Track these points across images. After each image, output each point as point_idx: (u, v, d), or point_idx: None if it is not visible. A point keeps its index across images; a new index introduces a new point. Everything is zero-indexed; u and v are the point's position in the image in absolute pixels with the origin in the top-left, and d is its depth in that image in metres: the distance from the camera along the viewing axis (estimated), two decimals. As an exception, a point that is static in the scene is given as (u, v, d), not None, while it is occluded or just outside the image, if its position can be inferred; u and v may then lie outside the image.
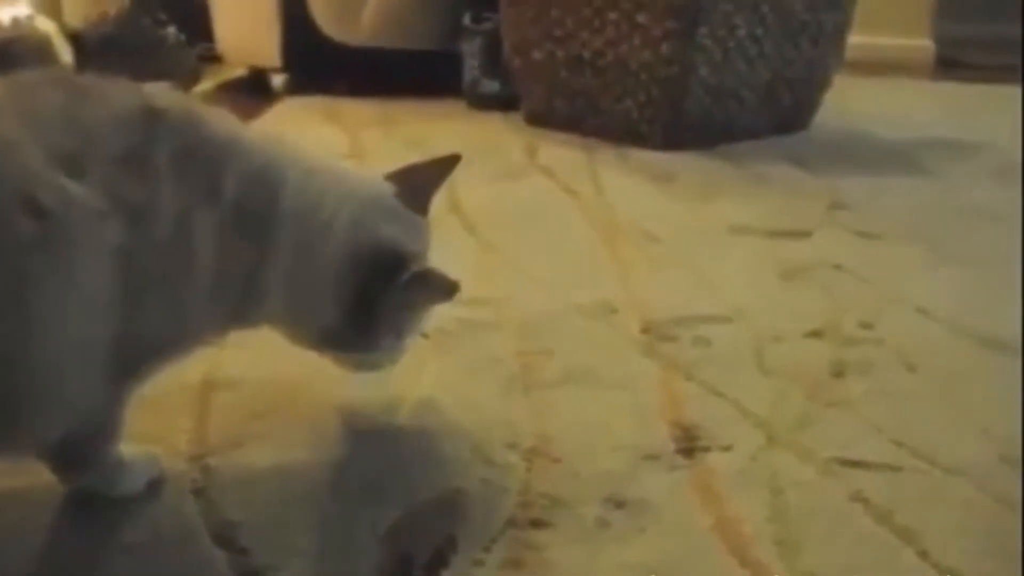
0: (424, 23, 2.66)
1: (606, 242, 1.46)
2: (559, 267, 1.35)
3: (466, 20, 2.57)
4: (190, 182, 0.68)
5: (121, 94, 0.69)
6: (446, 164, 0.90)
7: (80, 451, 0.73)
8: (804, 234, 1.52)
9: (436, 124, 2.28)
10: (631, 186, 1.80)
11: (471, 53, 2.56)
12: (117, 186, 0.65)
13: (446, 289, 0.80)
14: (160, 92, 0.72)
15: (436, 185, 0.89)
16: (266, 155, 0.75)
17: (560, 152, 2.05)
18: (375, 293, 0.78)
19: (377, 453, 0.84)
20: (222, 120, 0.75)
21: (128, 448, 0.77)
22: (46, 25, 2.59)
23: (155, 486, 0.78)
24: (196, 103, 0.75)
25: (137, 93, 0.70)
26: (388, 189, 0.84)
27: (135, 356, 0.69)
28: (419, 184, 0.87)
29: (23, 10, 2.84)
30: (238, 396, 0.94)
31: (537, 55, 2.28)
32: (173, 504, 0.76)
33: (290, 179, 0.75)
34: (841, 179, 1.85)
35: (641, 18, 2.05)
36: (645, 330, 1.12)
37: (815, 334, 1.13)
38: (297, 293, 0.77)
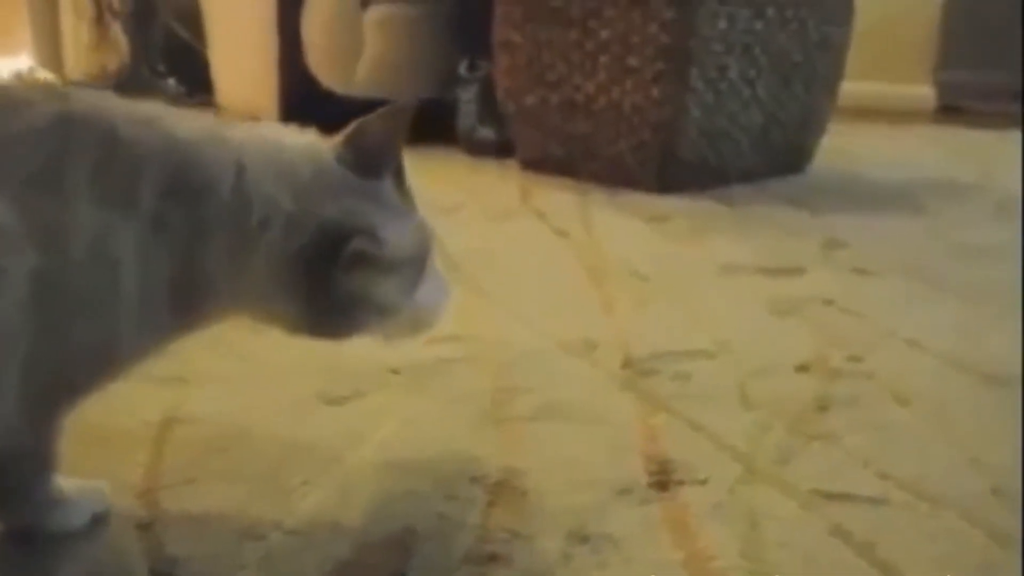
0: (419, 72, 2.66)
1: (593, 281, 1.43)
2: (542, 305, 1.31)
3: (461, 68, 2.58)
4: (106, 194, 0.65)
5: (41, 102, 0.66)
6: (396, 116, 0.77)
7: (9, 484, 0.70)
8: (797, 271, 1.49)
9: (429, 170, 2.26)
10: (622, 226, 1.78)
11: (467, 101, 2.56)
12: (30, 204, 0.62)
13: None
14: (84, 95, 0.69)
15: (390, 144, 0.78)
16: (193, 151, 0.70)
17: (552, 195, 2.03)
18: (324, 277, 0.73)
19: (330, 489, 0.80)
20: (148, 116, 0.69)
21: (73, 482, 0.74)
22: (47, 79, 2.61)
23: (99, 522, 0.74)
24: (125, 101, 0.70)
25: (57, 100, 0.66)
26: (331, 160, 0.75)
27: (58, 382, 0.66)
28: (369, 146, 0.77)
29: (25, 64, 2.87)
30: (197, 432, 0.90)
31: (530, 100, 2.27)
32: (116, 540, 0.73)
33: (222, 173, 0.70)
34: (837, 218, 1.83)
35: (632, 61, 2.04)
36: (625, 365, 1.09)
37: (802, 368, 1.09)
38: (249, 289, 0.73)
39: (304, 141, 0.77)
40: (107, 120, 0.66)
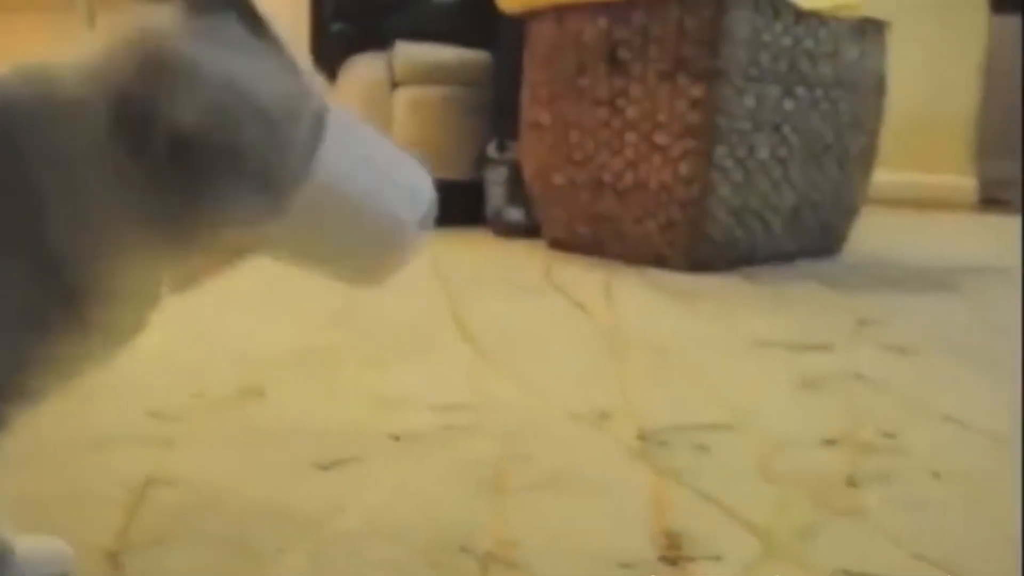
0: (449, 153, 2.66)
1: (612, 354, 1.37)
2: (556, 376, 1.26)
3: (490, 150, 2.57)
4: None
5: None
6: None
7: None
8: (826, 347, 1.42)
9: (454, 250, 2.24)
10: (646, 302, 1.72)
11: (495, 182, 2.55)
12: None
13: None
14: None
15: None
16: None
17: (576, 272, 1.99)
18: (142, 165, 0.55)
19: (305, 556, 0.74)
20: None
21: (29, 539, 0.69)
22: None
23: (56, 585, 0.68)
24: None
25: None
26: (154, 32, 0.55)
27: None
28: None
29: None
30: (176, 494, 0.85)
31: (557, 180, 2.25)
32: (71, 604, 0.67)
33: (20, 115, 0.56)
34: (870, 297, 1.76)
35: (660, 138, 2.01)
36: (638, 437, 1.02)
37: (829, 442, 1.02)
38: (89, 230, 0.57)
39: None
40: None
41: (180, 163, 0.54)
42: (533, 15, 2.27)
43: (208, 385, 1.16)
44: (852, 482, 0.92)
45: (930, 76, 3.59)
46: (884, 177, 2.37)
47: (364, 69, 2.68)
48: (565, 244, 2.24)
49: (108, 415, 1.04)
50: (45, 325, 0.59)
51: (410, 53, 2.65)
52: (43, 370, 0.62)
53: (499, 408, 1.11)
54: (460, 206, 2.58)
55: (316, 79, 0.60)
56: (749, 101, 1.99)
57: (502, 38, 2.51)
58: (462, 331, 1.47)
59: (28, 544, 0.69)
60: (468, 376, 1.24)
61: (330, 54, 2.69)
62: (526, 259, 2.16)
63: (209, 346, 1.36)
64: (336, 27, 2.69)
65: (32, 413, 0.64)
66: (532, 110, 2.28)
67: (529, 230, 2.42)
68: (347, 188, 0.61)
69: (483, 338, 1.42)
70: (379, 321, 1.53)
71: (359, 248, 0.64)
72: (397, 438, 0.99)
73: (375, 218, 0.63)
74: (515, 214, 2.50)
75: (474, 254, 2.19)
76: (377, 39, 2.69)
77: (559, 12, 2.20)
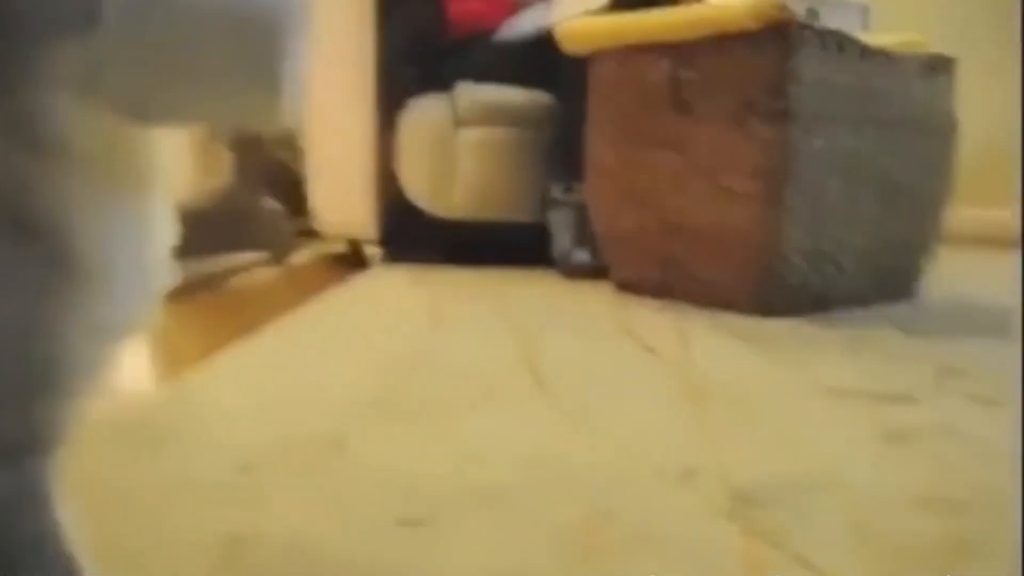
0: (515, 196, 2.67)
1: (688, 402, 1.35)
2: (634, 426, 1.24)
3: (555, 192, 2.58)
4: None
5: None
6: None
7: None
8: (909, 398, 1.39)
9: (522, 292, 2.24)
10: (719, 347, 1.70)
11: (561, 224, 2.55)
12: None
13: None
14: None
15: None
16: None
17: (646, 315, 1.97)
18: None
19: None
20: None
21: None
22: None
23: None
24: None
25: None
26: None
27: None
28: None
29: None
30: (259, 548, 0.85)
31: (624, 222, 2.24)
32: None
33: None
34: (951, 344, 1.72)
35: (728, 181, 2.00)
36: (727, 495, 1.00)
37: (922, 501, 0.99)
38: None
39: None
40: None
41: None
42: (597, 56, 2.28)
43: (290, 436, 1.16)
44: (948, 545, 0.89)
45: (1002, 110, 3.52)
46: (959, 214, 2.33)
47: (427, 111, 2.70)
48: (634, 287, 2.23)
49: (192, 465, 1.05)
50: (41, 291, 0.55)
51: (473, 94, 2.67)
52: (70, 347, 0.57)
53: (580, 463, 1.10)
54: (525, 247, 2.59)
55: None
56: (818, 142, 1.97)
57: (565, 79, 2.52)
58: (536, 378, 1.46)
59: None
60: (547, 427, 1.22)
61: (394, 96, 2.72)
62: (595, 302, 2.15)
63: (289, 395, 1.37)
64: (399, 69, 2.73)
65: (85, 410, 0.61)
66: (597, 152, 2.28)
67: (596, 272, 2.41)
68: None
69: (558, 386, 1.41)
70: (452, 367, 1.53)
71: (218, 57, 0.51)
72: (479, 494, 0.98)
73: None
74: (582, 256, 2.50)
75: (542, 296, 2.19)
76: (440, 81, 2.72)
77: (623, 53, 2.21)
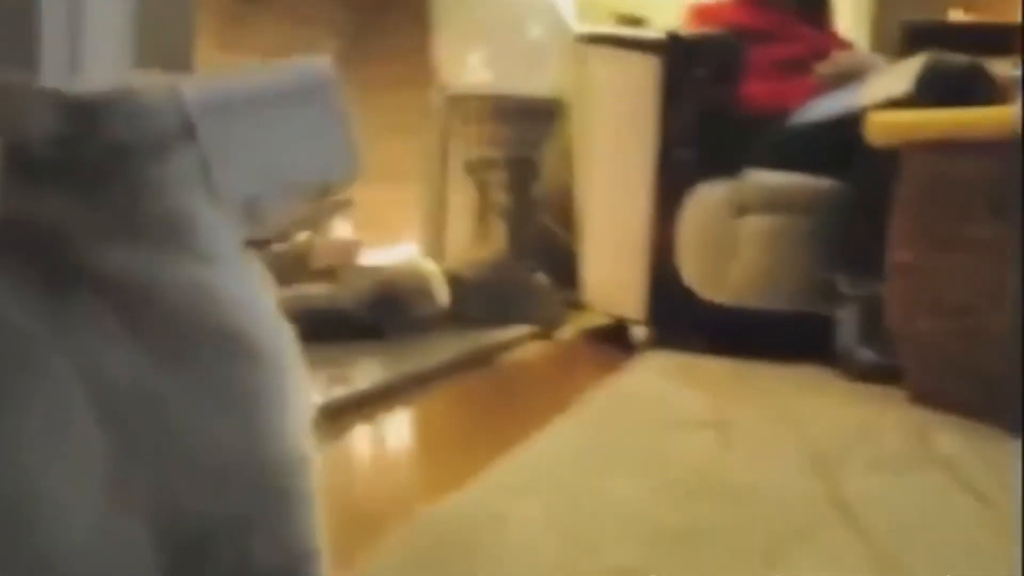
0: (795, 284, 2.54)
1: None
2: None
3: (841, 284, 2.43)
4: None
5: None
6: None
7: None
8: None
9: (807, 396, 2.11)
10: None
11: (847, 319, 2.40)
12: None
13: None
14: None
15: None
16: None
17: (954, 440, 1.79)
18: None
19: None
20: None
21: None
22: (429, 266, 2.76)
23: None
24: None
25: None
26: None
27: None
28: None
29: (410, 251, 3.09)
30: None
31: (924, 327, 2.07)
32: None
33: None
34: None
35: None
36: None
37: None
38: None
39: None
40: None
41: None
42: (906, 149, 2.13)
43: (590, 565, 1.12)
44: None
45: None
46: None
47: (710, 195, 2.63)
48: (932, 398, 2.04)
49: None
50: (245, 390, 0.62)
51: (760, 180, 2.58)
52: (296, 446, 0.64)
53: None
54: (799, 338, 2.45)
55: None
56: None
57: (863, 169, 2.37)
58: (848, 519, 1.34)
59: None
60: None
61: (675, 180, 2.67)
62: (891, 416, 1.99)
63: (577, 515, 1.33)
64: (681, 154, 2.67)
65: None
66: (899, 249, 2.13)
67: (884, 373, 2.24)
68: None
69: (875, 534, 1.28)
70: (748, 494, 1.43)
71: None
72: None
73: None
74: (868, 355, 2.33)
75: (831, 406, 2.04)
76: (725, 162, 2.64)
77: (938, 148, 2.05)
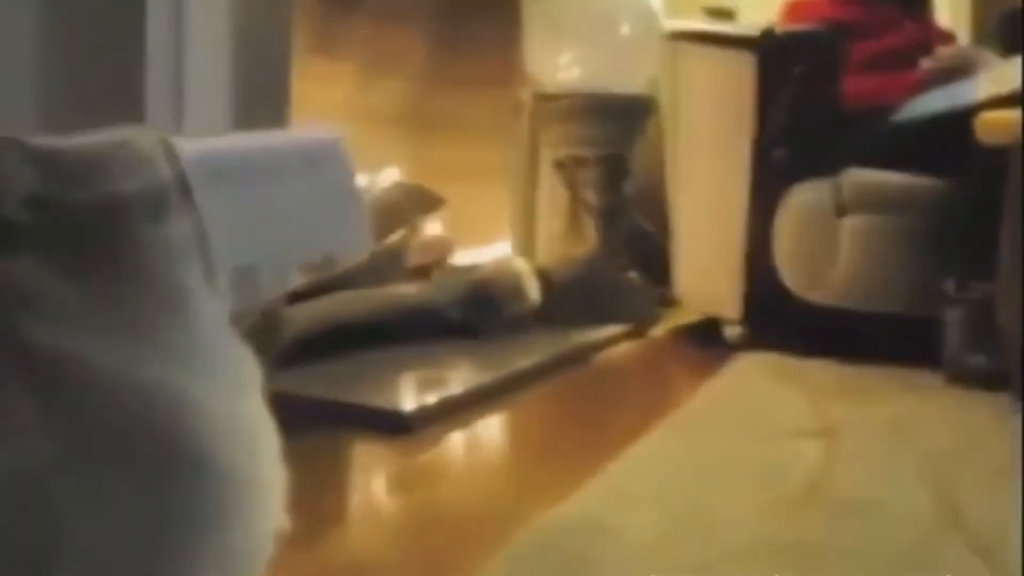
0: (900, 286, 2.48)
1: None
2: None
3: (948, 287, 2.35)
4: None
5: None
6: None
7: None
8: None
9: (913, 402, 2.05)
10: None
11: (953, 323, 2.32)
12: None
13: None
14: None
15: None
16: None
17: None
18: None
19: None
20: None
21: None
22: (521, 265, 2.76)
23: None
24: None
25: None
26: None
27: None
28: None
29: (503, 250, 3.10)
30: None
31: (1039, 332, 1.99)
32: None
33: None
34: None
35: None
36: None
37: None
38: None
39: None
40: None
41: None
42: (1016, 149, 2.05)
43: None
44: None
45: None
46: None
47: (807, 196, 2.57)
48: (1046, 407, 1.97)
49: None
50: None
51: (862, 179, 2.51)
52: None
53: None
54: (906, 341, 2.38)
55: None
56: None
57: (972, 168, 2.29)
58: (964, 533, 1.30)
59: None
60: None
61: (772, 181, 2.62)
62: (1004, 423, 1.92)
63: (683, 528, 1.31)
64: (778, 153, 2.62)
65: None
66: (1014, 252, 2.05)
67: (992, 380, 2.17)
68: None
69: (993, 546, 1.24)
70: (861, 507, 1.40)
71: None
72: None
73: None
74: (976, 360, 2.26)
75: (940, 411, 1.99)
76: (822, 164, 2.58)
77: (1052, 147, 1.97)
